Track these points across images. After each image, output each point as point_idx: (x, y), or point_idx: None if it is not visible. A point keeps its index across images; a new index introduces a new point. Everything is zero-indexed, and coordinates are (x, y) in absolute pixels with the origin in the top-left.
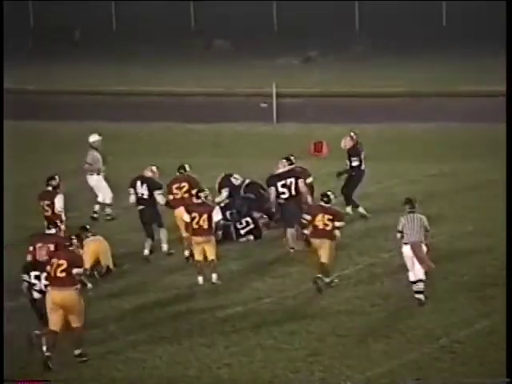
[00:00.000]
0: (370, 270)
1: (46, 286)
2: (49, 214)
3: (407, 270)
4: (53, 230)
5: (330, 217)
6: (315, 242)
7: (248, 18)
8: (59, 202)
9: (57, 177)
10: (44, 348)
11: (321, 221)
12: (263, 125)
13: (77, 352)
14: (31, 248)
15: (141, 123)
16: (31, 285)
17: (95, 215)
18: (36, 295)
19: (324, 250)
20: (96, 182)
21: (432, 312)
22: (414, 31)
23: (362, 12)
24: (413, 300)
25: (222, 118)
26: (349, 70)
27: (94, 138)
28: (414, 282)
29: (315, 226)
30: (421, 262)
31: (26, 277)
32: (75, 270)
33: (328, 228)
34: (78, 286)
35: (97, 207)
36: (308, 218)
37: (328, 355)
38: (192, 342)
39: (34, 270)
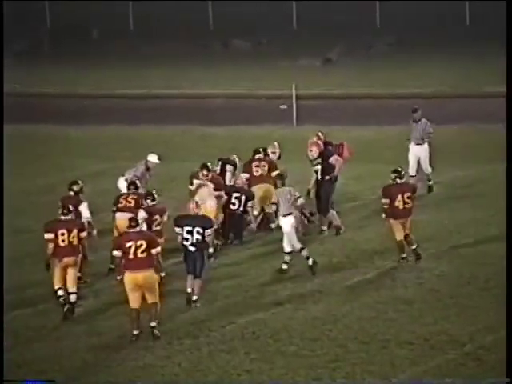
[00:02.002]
0: (393, 274)
1: (124, 267)
2: None
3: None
4: (69, 216)
5: (409, 194)
6: (395, 222)
7: (267, 17)
8: (86, 210)
9: (80, 181)
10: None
11: (401, 201)
12: (283, 127)
13: (152, 324)
14: (51, 235)
15: (158, 126)
16: (183, 238)
17: None
18: (191, 248)
19: (408, 225)
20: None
21: (456, 318)
22: (437, 30)
23: (383, 11)
24: (437, 305)
25: (241, 120)
26: (371, 69)
27: (153, 158)
28: (289, 252)
29: (395, 207)
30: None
31: (179, 229)
32: (154, 251)
33: (408, 206)
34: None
35: None
36: (386, 201)
37: (350, 361)
38: (211, 348)
39: (186, 225)
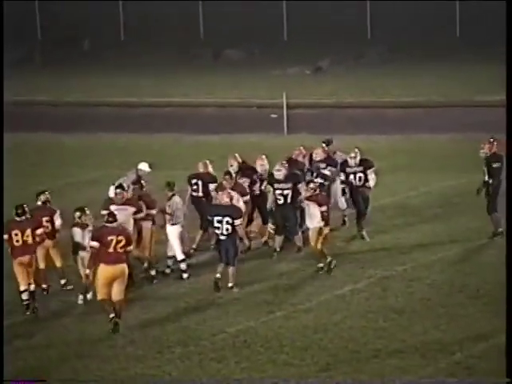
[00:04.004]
0: (384, 283)
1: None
2: (49, 230)
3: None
4: (23, 217)
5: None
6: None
7: (258, 27)
8: (58, 219)
9: (47, 192)
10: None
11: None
12: (274, 136)
13: (117, 320)
14: (6, 236)
15: (149, 135)
16: (214, 227)
17: None
18: (222, 237)
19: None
20: None
21: (447, 326)
22: (427, 40)
23: (373, 21)
24: (427, 314)
25: (232, 129)
26: (361, 79)
27: (144, 166)
28: (180, 261)
29: (328, 214)
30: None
31: (210, 219)
32: (130, 248)
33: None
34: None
35: None
36: (324, 209)
37: (341, 371)
38: (202, 357)
39: (216, 215)
